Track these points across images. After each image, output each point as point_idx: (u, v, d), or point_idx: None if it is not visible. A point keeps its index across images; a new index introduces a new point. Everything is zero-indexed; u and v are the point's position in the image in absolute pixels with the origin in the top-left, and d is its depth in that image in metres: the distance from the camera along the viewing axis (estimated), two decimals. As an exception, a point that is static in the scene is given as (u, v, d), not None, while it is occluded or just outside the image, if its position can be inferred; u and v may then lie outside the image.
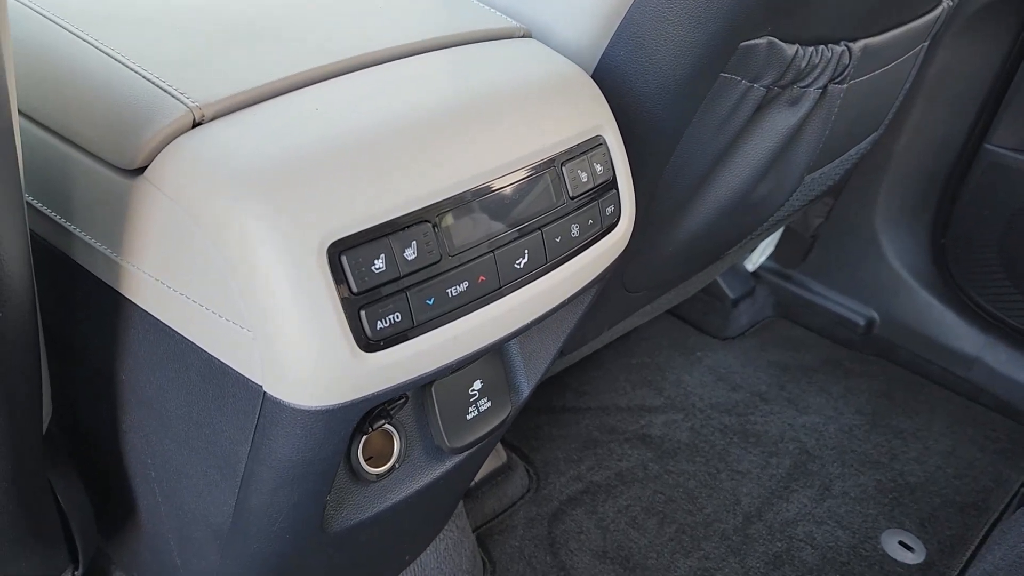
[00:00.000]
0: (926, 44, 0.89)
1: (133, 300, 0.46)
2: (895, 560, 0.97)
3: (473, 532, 0.93)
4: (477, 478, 0.99)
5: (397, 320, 0.42)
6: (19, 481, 0.49)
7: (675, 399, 1.17)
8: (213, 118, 0.42)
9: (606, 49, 0.59)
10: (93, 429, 0.57)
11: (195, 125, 0.41)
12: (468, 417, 0.60)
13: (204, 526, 0.55)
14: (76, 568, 0.58)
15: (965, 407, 1.21)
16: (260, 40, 0.47)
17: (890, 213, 1.25)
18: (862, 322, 1.30)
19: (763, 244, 1.33)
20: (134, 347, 0.49)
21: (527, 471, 1.04)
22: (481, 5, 0.58)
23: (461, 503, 0.89)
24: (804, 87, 0.69)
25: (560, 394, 1.15)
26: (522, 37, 0.56)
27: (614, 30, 0.58)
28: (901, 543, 0.99)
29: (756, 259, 1.35)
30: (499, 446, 1.03)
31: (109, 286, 0.47)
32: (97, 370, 0.53)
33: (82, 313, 0.51)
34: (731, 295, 1.31)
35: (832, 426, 1.16)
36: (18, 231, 0.37)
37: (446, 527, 0.85)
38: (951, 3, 0.88)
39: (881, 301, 1.29)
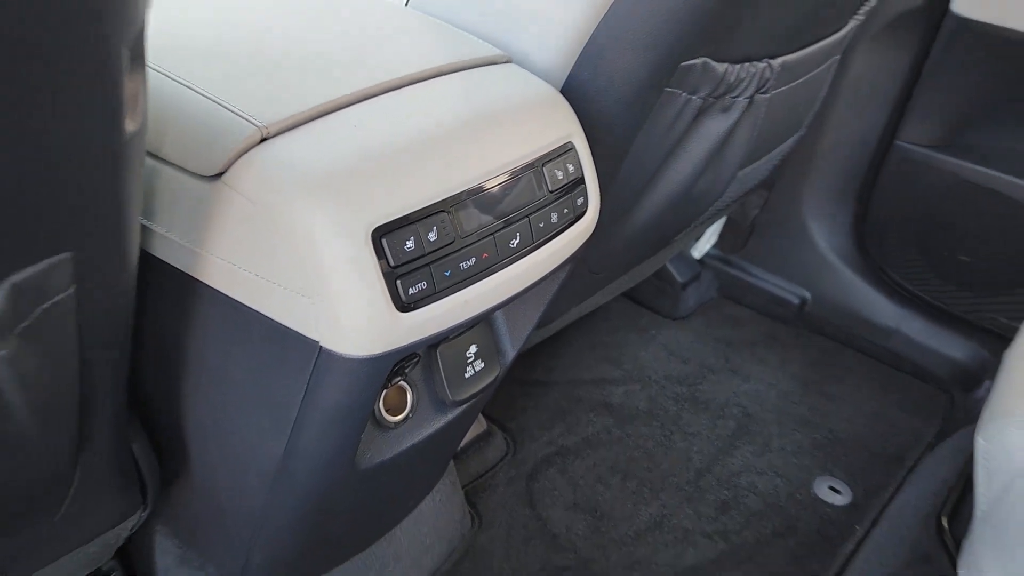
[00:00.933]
0: (838, 57, 1.03)
1: (205, 281, 0.57)
2: (825, 502, 1.12)
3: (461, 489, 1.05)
4: (462, 444, 1.11)
5: (423, 287, 0.54)
6: (114, 437, 0.60)
7: (633, 372, 1.31)
8: (276, 134, 0.53)
9: (571, 70, 0.71)
10: (157, 394, 0.67)
11: (262, 140, 0.53)
12: (466, 375, 0.71)
13: (255, 471, 0.66)
14: (144, 509, 0.69)
15: (886, 373, 1.37)
16: (302, 71, 0.59)
17: (817, 203, 1.40)
18: (795, 301, 1.45)
19: (707, 233, 1.47)
20: (202, 320, 0.60)
21: (505, 438, 1.16)
22: (470, 36, 0.70)
23: (452, 463, 1.01)
24: (734, 97, 0.82)
25: (532, 370, 1.27)
26: (505, 63, 0.68)
27: (578, 55, 0.70)
28: (831, 488, 1.14)
29: (701, 247, 1.49)
30: (480, 416, 1.15)
31: (182, 272, 0.58)
32: (164, 343, 0.63)
33: (154, 296, 0.61)
34: (680, 279, 1.45)
35: (771, 392, 1.30)
36: (135, 237, 0.48)
37: (439, 483, 0.97)
38: (859, 20, 1.02)
39: (811, 281, 1.44)
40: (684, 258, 1.47)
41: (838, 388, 1.32)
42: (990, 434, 0.67)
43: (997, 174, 1.23)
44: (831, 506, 1.11)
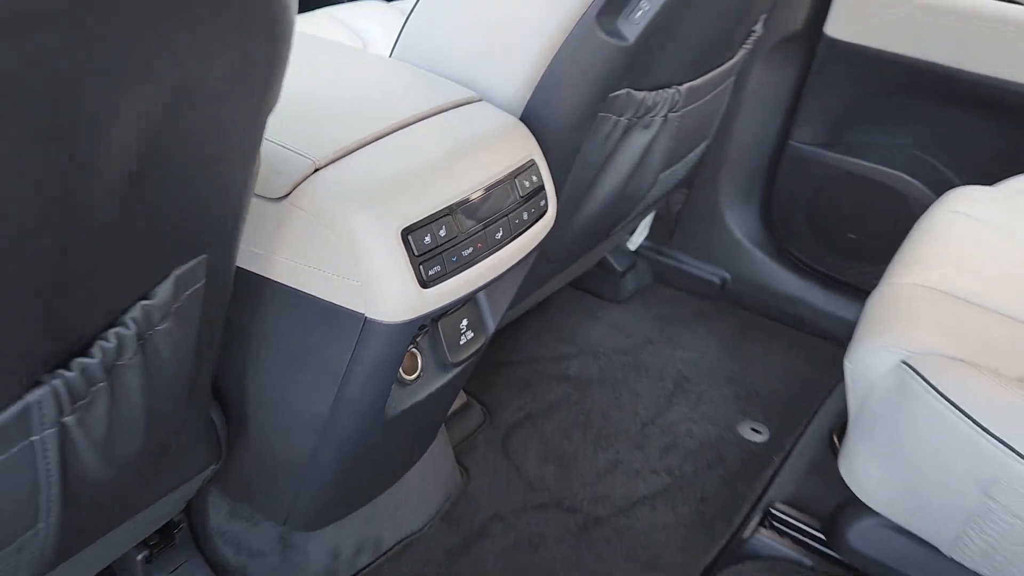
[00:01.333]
0: (733, 78, 1.26)
1: (272, 278, 0.76)
2: (748, 440, 1.35)
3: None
4: (448, 415, 1.30)
5: (438, 270, 0.74)
6: (204, 403, 0.78)
7: (585, 347, 1.52)
8: (324, 166, 0.73)
9: (528, 103, 0.91)
10: (227, 370, 0.85)
11: (315, 171, 0.72)
12: (461, 343, 0.91)
13: (305, 427, 0.85)
14: (217, 462, 0.87)
15: (794, 335, 1.61)
16: (332, 118, 0.78)
17: (730, 197, 1.64)
18: (717, 280, 1.68)
19: (640, 227, 1.70)
20: (267, 308, 0.78)
21: (482, 408, 1.36)
22: (450, 82, 0.90)
23: (443, 427, 1.21)
24: (652, 117, 1.04)
25: (501, 351, 1.47)
26: (478, 101, 0.89)
27: (532, 91, 0.91)
28: (752, 428, 1.37)
29: (635, 240, 1.72)
30: (462, 392, 1.35)
31: (251, 272, 0.76)
32: (234, 328, 0.82)
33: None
34: (619, 268, 1.67)
35: (701, 357, 1.53)
36: (238, 246, 0.67)
37: (433, 445, 1.17)
38: (748, 47, 1.26)
39: (729, 263, 1.67)
40: (621, 250, 1.70)
41: (755, 350, 1.56)
42: (852, 358, 0.90)
43: (871, 164, 1.48)
44: (752, 443, 1.34)
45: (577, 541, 1.14)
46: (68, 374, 0.53)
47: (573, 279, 1.58)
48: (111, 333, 0.55)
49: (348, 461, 0.89)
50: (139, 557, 0.94)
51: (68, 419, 0.55)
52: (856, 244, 1.53)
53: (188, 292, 0.61)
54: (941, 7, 1.32)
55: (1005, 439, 0.75)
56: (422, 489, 1.14)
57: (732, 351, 1.55)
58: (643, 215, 1.45)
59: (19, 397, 0.51)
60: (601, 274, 1.67)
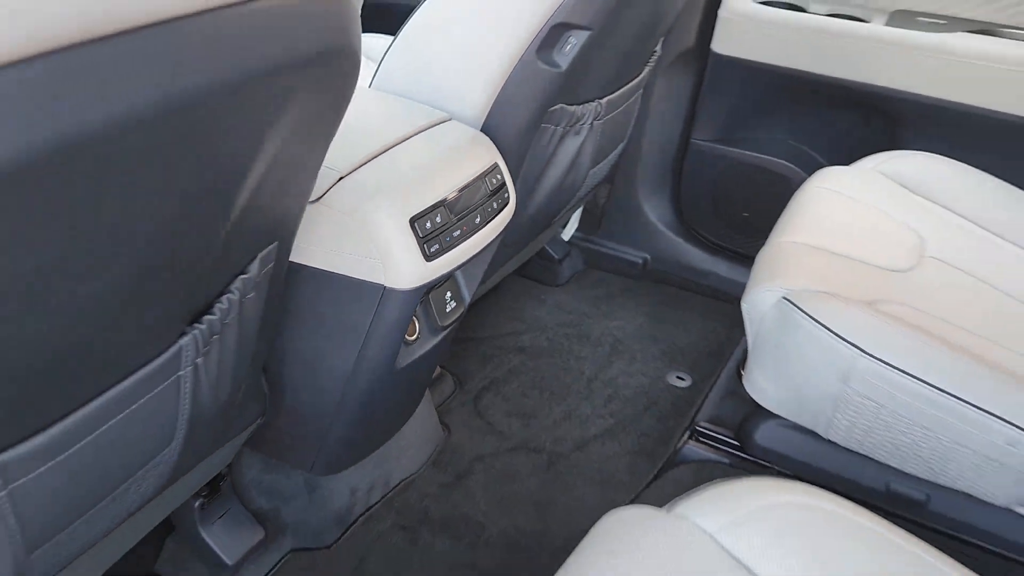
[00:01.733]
0: (641, 91, 1.54)
1: (309, 264, 0.97)
2: (675, 387, 1.61)
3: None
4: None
5: (437, 248, 0.97)
6: (261, 364, 0.99)
7: (534, 324, 1.77)
8: (347, 174, 0.95)
9: (486, 120, 1.16)
10: (271, 341, 1.06)
11: (340, 179, 0.95)
12: (447, 310, 1.14)
13: (331, 382, 1.06)
14: (263, 416, 1.07)
15: (707, 302, 1.89)
16: (344, 139, 1.01)
17: (646, 189, 1.91)
18: (640, 261, 1.95)
19: (571, 220, 1.96)
20: (305, 288, 1.00)
21: (453, 378, 1.59)
22: (425, 106, 1.14)
23: (428, 392, 1.43)
24: (581, 125, 1.30)
25: (465, 331, 1.71)
26: (449, 120, 1.13)
27: (489, 110, 1.15)
28: (678, 377, 1.64)
29: (569, 231, 1.97)
30: (437, 367, 1.57)
31: (293, 261, 0.98)
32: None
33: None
34: (556, 256, 1.92)
35: (631, 325, 1.79)
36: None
37: (419, 407, 1.39)
38: (651, 65, 1.53)
39: (649, 246, 1.94)
40: (558, 241, 1.95)
41: (676, 315, 1.83)
42: (747, 300, 1.16)
43: (758, 154, 1.77)
44: (679, 388, 1.61)
45: (545, 473, 1.38)
46: (200, 327, 0.75)
47: (519, 267, 1.83)
48: (224, 298, 0.77)
49: (366, 410, 1.11)
50: (196, 504, 1.14)
51: (199, 360, 0.76)
52: (749, 221, 1.82)
53: (265, 270, 0.83)
54: (803, 26, 1.62)
55: (855, 342, 1.02)
56: (415, 440, 1.36)
57: (656, 318, 1.82)
58: (575, 208, 1.71)
59: (174, 342, 0.72)
60: (542, 263, 1.92)
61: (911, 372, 0.99)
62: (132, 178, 0.52)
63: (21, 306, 0.51)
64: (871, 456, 1.08)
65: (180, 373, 0.75)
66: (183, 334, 0.73)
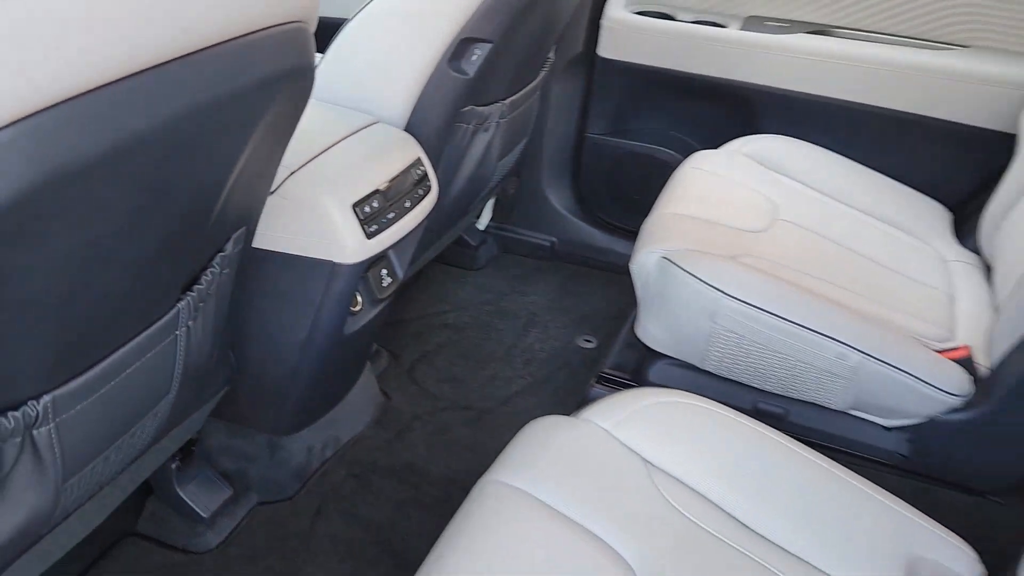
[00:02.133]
0: (539, 92, 1.75)
1: (267, 248, 1.14)
2: (583, 348, 1.83)
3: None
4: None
5: (375, 228, 1.15)
6: (229, 335, 1.16)
7: (457, 303, 1.96)
8: (297, 170, 1.13)
9: (408, 121, 1.35)
10: (236, 316, 1.22)
11: (291, 174, 1.12)
12: (383, 284, 1.33)
13: (292, 346, 1.23)
14: (227, 385, 1.23)
15: (607, 276, 2.12)
16: (292, 141, 1.18)
17: (549, 180, 2.13)
18: (548, 244, 2.17)
19: (485, 211, 2.16)
20: (264, 270, 1.16)
21: (388, 353, 1.77)
22: (356, 111, 1.32)
23: (368, 365, 1.61)
24: (489, 123, 1.50)
25: (397, 313, 1.89)
26: (377, 123, 1.31)
27: (410, 113, 1.34)
28: (585, 340, 1.86)
29: (483, 220, 2.18)
30: (374, 344, 1.75)
31: (254, 248, 1.15)
32: (241, 287, 1.19)
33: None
34: (474, 243, 2.12)
35: (543, 299, 2.01)
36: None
37: (362, 376, 1.57)
38: (546, 70, 1.75)
39: (555, 230, 2.16)
40: (474, 229, 2.15)
41: (582, 289, 2.06)
42: (635, 261, 1.39)
43: (644, 144, 2.01)
44: (587, 349, 1.83)
45: (475, 425, 1.58)
46: (192, 294, 0.91)
47: (441, 255, 2.02)
48: (208, 271, 0.94)
49: (319, 374, 1.28)
50: (173, 466, 1.29)
51: (190, 323, 0.93)
52: (640, 202, 2.06)
53: (237, 248, 1.00)
54: (673, 32, 1.87)
55: (719, 287, 1.25)
56: (360, 404, 1.54)
57: (565, 292, 2.04)
58: (488, 198, 1.91)
59: (173, 306, 0.89)
60: (461, 250, 2.11)
61: (763, 307, 1.23)
62: (149, 179, 0.69)
63: (76, 275, 0.68)
64: (740, 381, 1.32)
65: (177, 332, 0.91)
66: (179, 300, 0.90)
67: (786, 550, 0.89)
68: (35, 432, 0.76)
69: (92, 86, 0.57)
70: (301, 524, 1.35)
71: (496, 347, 1.82)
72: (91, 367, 0.79)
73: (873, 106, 1.75)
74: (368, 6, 1.32)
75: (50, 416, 0.76)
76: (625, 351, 1.58)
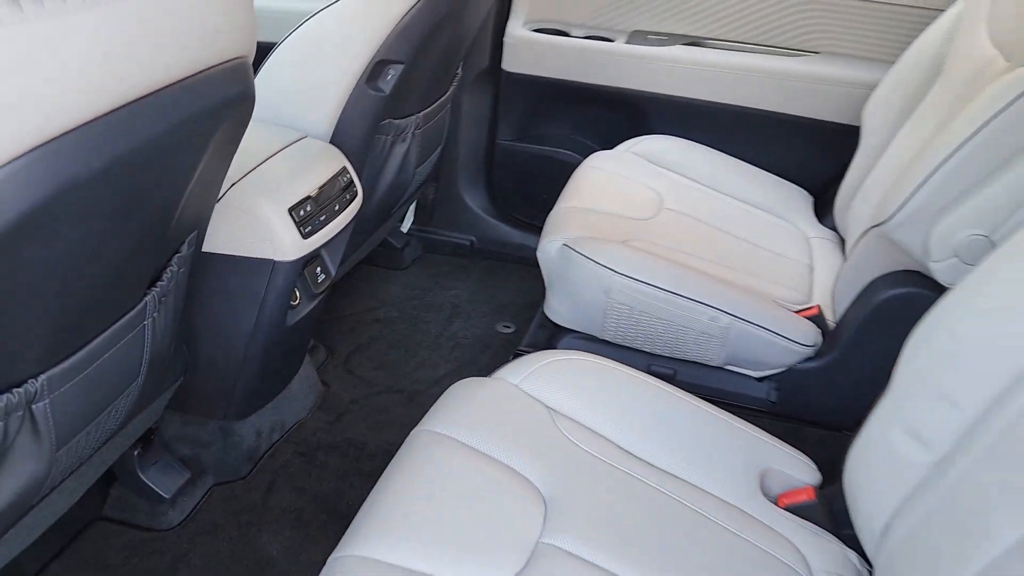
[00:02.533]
0: (450, 104, 1.94)
1: (216, 251, 1.29)
2: (502, 333, 2.02)
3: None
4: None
5: (309, 229, 1.31)
6: (183, 329, 1.30)
7: (386, 301, 2.13)
8: (238, 181, 1.28)
9: (332, 135, 1.51)
10: (189, 313, 1.36)
11: (232, 184, 1.28)
12: (318, 281, 1.48)
13: (239, 337, 1.37)
14: (183, 375, 1.37)
15: (524, 269, 2.31)
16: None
17: (466, 183, 2.31)
18: (467, 243, 2.35)
19: (408, 215, 2.33)
20: (213, 271, 1.31)
21: (325, 348, 1.93)
22: (286, 128, 1.48)
23: (308, 357, 1.76)
24: (406, 134, 1.68)
25: (330, 312, 2.04)
26: (305, 138, 1.47)
27: (334, 128, 1.51)
28: (504, 326, 2.05)
29: (406, 224, 2.35)
30: (312, 339, 1.90)
31: (203, 251, 1.29)
32: (192, 287, 1.33)
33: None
34: (398, 246, 2.29)
35: (465, 292, 2.19)
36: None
37: (302, 367, 1.72)
38: (455, 85, 1.93)
39: (474, 230, 2.34)
40: (398, 233, 2.32)
41: (500, 281, 2.24)
42: (540, 249, 1.58)
43: (549, 147, 2.21)
44: (506, 334, 2.02)
45: (408, 404, 1.75)
46: (156, 289, 1.06)
47: (369, 257, 2.18)
48: (168, 270, 1.09)
49: (264, 363, 1.43)
50: (135, 453, 1.42)
51: (155, 314, 1.08)
52: (547, 200, 2.26)
53: (191, 250, 1.16)
54: (568, 46, 2.08)
55: (611, 267, 1.46)
56: (302, 392, 1.69)
57: (484, 285, 2.23)
58: (409, 203, 2.09)
59: (142, 299, 1.04)
60: (387, 251, 2.28)
61: (648, 281, 1.44)
62: (126, 190, 0.84)
63: (70, 268, 0.83)
64: (634, 347, 1.52)
65: (145, 323, 1.06)
66: (146, 294, 1.05)
67: (665, 471, 1.09)
68: (34, 407, 0.90)
69: (87, 119, 0.73)
70: (254, 499, 1.50)
71: (424, 337, 1.99)
72: (77, 351, 0.94)
73: (743, 106, 2.00)
74: (293, 33, 1.48)
75: (46, 392, 0.91)
76: (538, 331, 1.77)
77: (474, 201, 2.32)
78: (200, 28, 0.83)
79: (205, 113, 0.90)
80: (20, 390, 0.87)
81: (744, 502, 1.07)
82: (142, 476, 1.43)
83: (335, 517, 1.47)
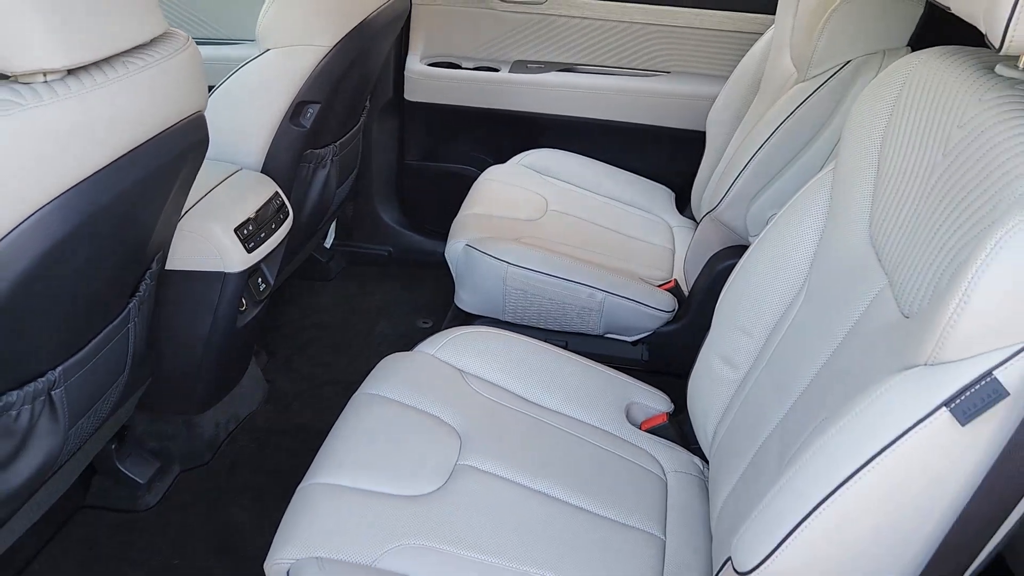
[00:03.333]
0: (361, 133, 2.22)
1: (176, 268, 1.54)
2: (422, 327, 2.31)
3: (257, 374, 2.05)
4: (248, 357, 2.09)
5: (252, 245, 1.57)
6: (151, 335, 1.54)
7: (318, 308, 2.38)
8: (189, 209, 1.53)
9: (263, 166, 1.77)
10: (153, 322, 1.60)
11: (186, 212, 1.53)
12: (260, 288, 1.74)
13: (197, 339, 1.61)
14: (151, 375, 1.60)
15: (438, 272, 2.58)
16: (180, 188, 1.59)
17: (381, 201, 2.58)
18: (386, 253, 2.62)
19: (330, 232, 2.59)
20: (173, 286, 1.55)
21: (266, 352, 2.17)
22: (223, 162, 1.73)
23: (253, 360, 2.00)
24: (325, 161, 1.95)
25: (270, 321, 2.28)
26: (240, 170, 1.73)
27: (263, 159, 1.77)
28: (423, 321, 2.33)
29: (329, 240, 2.61)
30: (255, 345, 2.14)
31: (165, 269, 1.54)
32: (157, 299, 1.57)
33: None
34: (324, 260, 2.54)
35: (389, 297, 2.46)
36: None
37: (249, 368, 1.96)
38: (365, 115, 2.21)
39: (391, 241, 2.61)
40: (322, 248, 2.58)
41: (418, 286, 2.52)
42: (447, 251, 1.87)
43: (452, 164, 2.51)
44: (425, 328, 2.30)
45: (346, 394, 2.00)
46: (135, 299, 1.31)
47: (300, 271, 2.43)
48: (143, 283, 1.34)
49: (220, 361, 1.68)
50: (112, 447, 1.65)
51: (136, 319, 1.33)
52: (453, 210, 2.56)
53: (159, 266, 1.41)
54: (460, 77, 2.38)
55: (505, 259, 1.76)
56: (251, 388, 1.94)
57: (404, 289, 2.51)
58: (331, 220, 2.35)
59: (127, 305, 1.29)
60: (314, 266, 2.53)
61: (536, 269, 1.75)
62: (116, 222, 1.10)
63: (78, 282, 1.08)
64: (531, 324, 1.83)
65: (129, 325, 1.31)
66: (128, 302, 1.30)
67: (552, 409, 1.39)
68: (53, 393, 1.15)
69: (99, 167, 1.00)
70: (218, 480, 1.74)
71: (354, 337, 2.26)
72: (83, 347, 1.19)
73: (612, 120, 2.34)
74: (226, 81, 1.74)
75: (61, 381, 1.15)
76: (452, 321, 2.07)
77: (389, 216, 2.60)
78: (171, 93, 1.10)
79: (174, 158, 1.17)
80: (43, 379, 1.12)
81: (615, 428, 1.38)
82: (120, 466, 1.66)
83: (291, 489, 1.72)
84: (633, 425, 1.41)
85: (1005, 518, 0.78)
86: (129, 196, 1.08)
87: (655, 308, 1.76)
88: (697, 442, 1.35)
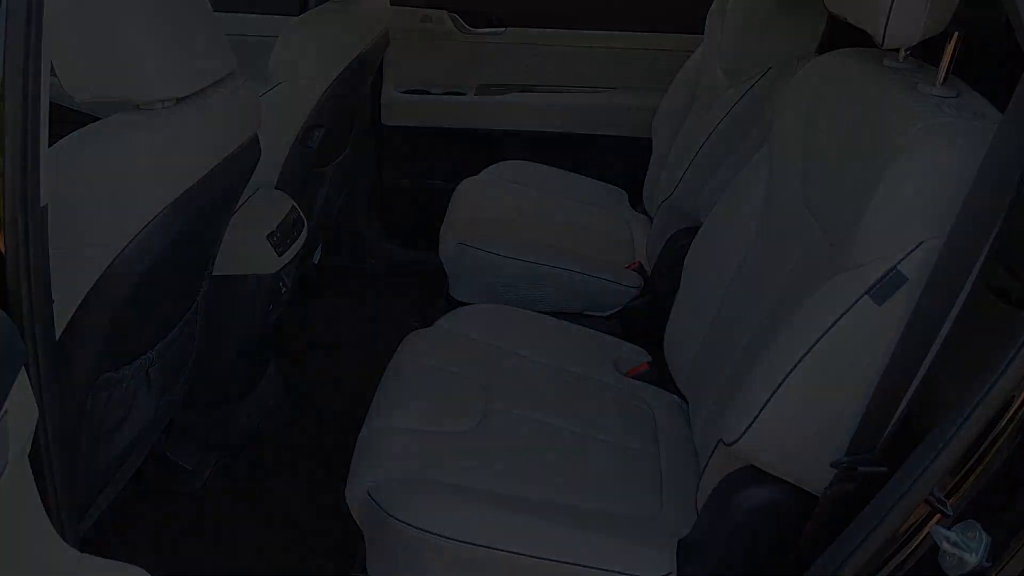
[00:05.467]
0: (349, 149, 2.47)
1: (222, 273, 1.75)
2: (414, 326, 2.55)
3: (273, 373, 2.26)
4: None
5: (280, 250, 1.81)
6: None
7: (314, 320, 2.60)
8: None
9: (276, 183, 2.01)
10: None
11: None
12: (282, 291, 1.96)
13: (234, 335, 1.83)
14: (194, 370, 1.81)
15: (422, 278, 2.84)
16: (214, 205, 1.81)
17: (362, 217, 2.82)
18: (371, 267, 2.86)
19: (318, 250, 2.81)
20: (218, 287, 1.77)
21: (275, 359, 2.38)
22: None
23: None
24: (325, 180, 2.19)
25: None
26: (259, 189, 1.96)
27: (277, 179, 2.00)
28: (415, 322, 2.57)
29: (316, 256, 2.83)
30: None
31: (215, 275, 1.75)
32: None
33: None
34: (312, 276, 2.76)
35: (377, 303, 2.69)
36: None
37: (267, 372, 2.17)
38: (351, 142, 2.46)
39: (371, 254, 2.85)
40: (310, 264, 2.80)
41: (405, 292, 2.76)
42: (440, 252, 2.13)
43: (428, 180, 2.78)
44: (417, 326, 2.55)
45: (355, 382, 2.24)
46: (199, 296, 1.53)
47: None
48: (204, 282, 1.56)
49: (251, 355, 1.90)
50: (161, 438, 1.85)
51: (198, 314, 1.55)
52: (432, 223, 2.82)
53: (210, 269, 1.63)
54: (429, 101, 2.66)
55: (495, 252, 2.03)
56: (272, 389, 2.15)
57: (393, 297, 2.74)
58: (324, 237, 2.58)
59: (194, 302, 1.50)
60: (303, 283, 2.75)
61: (521, 259, 2.03)
62: (207, 224, 1.33)
63: (165, 283, 1.31)
64: (521, 307, 2.10)
65: (196, 318, 1.53)
66: (195, 300, 1.52)
67: (555, 365, 1.66)
68: (150, 369, 1.36)
69: (202, 175, 1.23)
70: (257, 462, 1.95)
71: (355, 337, 2.48)
72: (169, 332, 1.41)
73: (570, 132, 2.65)
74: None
75: (155, 361, 1.37)
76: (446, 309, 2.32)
77: (370, 231, 2.84)
78: (243, 116, 1.35)
79: (246, 171, 1.41)
80: (145, 357, 1.34)
81: (607, 377, 1.66)
82: (169, 455, 1.85)
83: (319, 457, 1.95)
84: (620, 374, 1.69)
85: (911, 383, 1.07)
86: (215, 204, 1.31)
87: (623, 284, 2.05)
88: (674, 384, 1.64)
